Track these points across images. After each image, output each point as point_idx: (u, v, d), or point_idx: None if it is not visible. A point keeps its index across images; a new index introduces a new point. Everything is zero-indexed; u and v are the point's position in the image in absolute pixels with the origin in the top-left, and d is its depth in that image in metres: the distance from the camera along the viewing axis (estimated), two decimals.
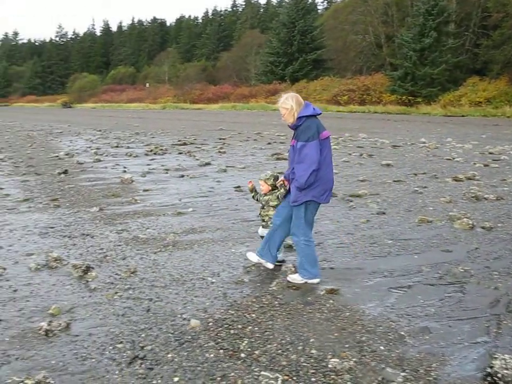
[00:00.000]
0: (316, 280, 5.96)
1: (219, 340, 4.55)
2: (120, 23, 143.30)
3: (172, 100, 78.37)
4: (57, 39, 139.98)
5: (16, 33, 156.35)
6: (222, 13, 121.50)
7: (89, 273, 6.23)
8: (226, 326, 4.82)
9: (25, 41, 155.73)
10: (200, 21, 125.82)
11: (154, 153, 19.21)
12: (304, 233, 5.94)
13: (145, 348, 4.42)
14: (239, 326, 4.82)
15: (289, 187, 6.08)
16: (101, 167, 15.89)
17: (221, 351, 4.37)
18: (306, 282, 5.95)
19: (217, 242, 7.57)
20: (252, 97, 67.66)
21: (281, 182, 6.37)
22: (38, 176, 14.35)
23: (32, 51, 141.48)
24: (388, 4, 64.06)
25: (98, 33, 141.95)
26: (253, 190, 6.80)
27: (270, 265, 6.37)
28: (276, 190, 6.51)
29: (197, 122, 40.65)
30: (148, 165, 16.14)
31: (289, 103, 5.83)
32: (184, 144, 22.83)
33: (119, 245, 7.45)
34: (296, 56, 70.67)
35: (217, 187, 12.00)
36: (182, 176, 13.61)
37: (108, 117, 52.86)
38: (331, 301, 5.42)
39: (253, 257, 6.50)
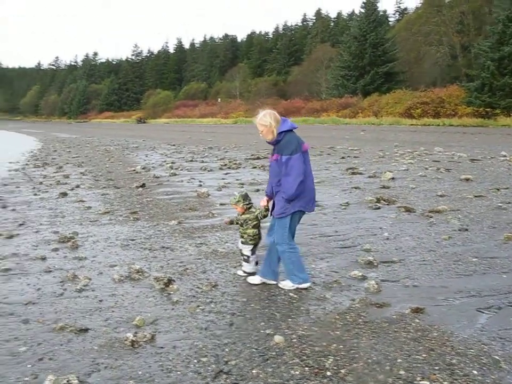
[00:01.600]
0: (306, 285, 6.19)
1: (304, 357, 4.48)
2: (193, 40, 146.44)
3: (243, 115, 79.20)
4: (133, 57, 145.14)
5: (95, 54, 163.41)
6: (292, 27, 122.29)
7: (170, 285, 6.31)
8: (310, 343, 4.75)
9: (103, 60, 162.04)
10: (271, 36, 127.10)
11: (229, 168, 19.40)
12: (288, 242, 6.11)
13: (229, 363, 4.41)
14: (324, 343, 4.73)
15: (273, 201, 6.24)
16: (177, 181, 16.19)
17: (306, 368, 4.30)
18: (297, 288, 6.16)
19: None
20: (323, 111, 67.51)
21: (265, 204, 6.47)
22: (117, 189, 14.78)
23: (110, 69, 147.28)
24: (464, 12, 62.57)
25: (171, 51, 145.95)
26: (231, 222, 6.90)
27: (273, 282, 6.37)
28: (254, 209, 6.61)
29: None
30: (223, 179, 16.30)
31: (267, 120, 5.95)
32: (258, 158, 22.96)
33: (199, 258, 7.52)
34: (367, 69, 70.09)
35: None
36: (257, 190, 13.66)
37: (181, 132, 53.99)
38: (417, 320, 5.25)
39: (256, 279, 6.45)
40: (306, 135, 38.68)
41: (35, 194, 14.58)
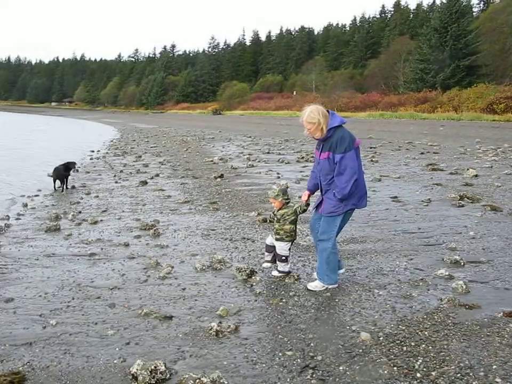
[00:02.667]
0: (335, 285, 6.00)
1: (392, 356, 4.33)
2: (269, 32, 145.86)
3: None
4: (209, 49, 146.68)
5: (173, 46, 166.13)
6: (370, 19, 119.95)
7: (253, 277, 6.29)
8: (398, 342, 4.59)
9: (180, 52, 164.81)
10: (348, 28, 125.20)
11: (306, 160, 19.25)
12: (334, 242, 5.89)
13: (315, 358, 4.32)
14: (412, 343, 4.56)
15: (321, 198, 5.97)
16: (255, 172, 16.21)
17: (395, 368, 4.15)
18: (327, 288, 5.93)
19: (380, 253, 7.31)
20: (401, 105, 65.84)
21: (306, 198, 6.24)
22: (196, 179, 14.96)
23: (187, 61, 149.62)
24: None
25: (248, 43, 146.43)
26: (265, 220, 7.19)
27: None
28: (292, 204, 6.44)
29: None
30: (301, 171, 16.18)
31: (315, 117, 5.63)
32: None
33: None
34: (448, 63, 67.68)
35: (373, 196, 11.69)
36: None
37: (257, 124, 54.17)
38: (511, 325, 4.97)
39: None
40: (384, 130, 37.96)
41: (116, 182, 14.99)
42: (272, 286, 6.05)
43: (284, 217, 6.29)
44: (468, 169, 15.29)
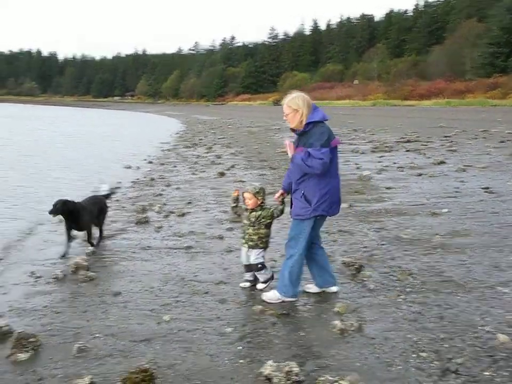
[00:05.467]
0: (293, 299, 5.34)
1: None
2: (329, 21, 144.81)
3: (381, 97, 77.12)
4: (269, 40, 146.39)
5: (233, 38, 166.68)
6: (434, 4, 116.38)
7: (362, 272, 6.02)
8: None
9: (240, 44, 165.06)
10: (411, 14, 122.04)
11: (381, 150, 18.74)
12: (302, 248, 5.27)
13: (453, 361, 4.02)
14: None
15: (291, 200, 5.40)
16: None
17: None
18: (283, 301, 5.30)
19: (490, 248, 6.88)
20: (469, 92, 63.82)
21: (281, 196, 5.64)
22: (274, 170, 14.79)
23: (246, 53, 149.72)
24: None
25: (307, 33, 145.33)
26: (236, 200, 5.99)
27: (334, 289, 5.54)
28: (268, 206, 5.79)
29: (412, 119, 39.30)
30: (379, 162, 15.74)
31: (298, 103, 5.08)
32: (408, 141, 22.01)
33: (383, 244, 7.16)
34: None
35: (463, 187, 11.16)
36: (420, 174, 12.97)
37: None
38: None
39: (313, 288, 5.62)
40: (453, 118, 36.79)
41: (193, 174, 14.98)
42: (385, 282, 5.76)
43: (259, 220, 5.67)
44: None
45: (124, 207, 10.68)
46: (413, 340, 4.38)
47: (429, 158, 16.19)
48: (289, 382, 3.72)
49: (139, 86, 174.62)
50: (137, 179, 14.44)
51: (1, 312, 5.32)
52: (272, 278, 5.75)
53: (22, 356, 4.32)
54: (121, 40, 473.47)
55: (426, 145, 20.28)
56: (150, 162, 18.73)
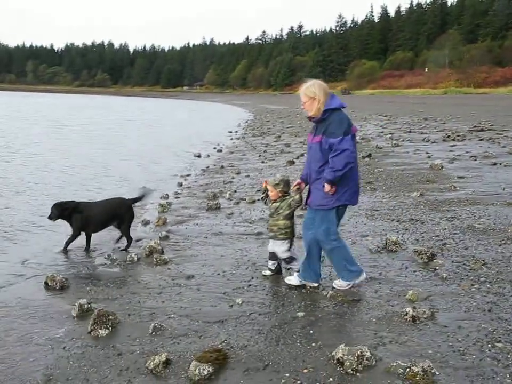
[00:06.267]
0: (363, 277, 5.34)
1: None
2: (399, 7, 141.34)
3: (453, 85, 74.95)
4: (337, 28, 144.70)
5: (300, 26, 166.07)
6: None
7: (434, 260, 5.95)
8: None
9: (307, 33, 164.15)
10: None
11: (453, 139, 18.27)
12: (335, 235, 5.20)
13: None
14: None
15: (310, 190, 5.26)
16: (402, 152, 15.65)
17: None
18: (353, 285, 5.29)
19: None
20: None
21: (297, 186, 5.45)
22: None
23: (314, 41, 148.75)
24: None
25: (376, 20, 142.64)
26: (265, 191, 5.77)
27: (315, 284, 5.42)
28: (288, 197, 5.57)
29: (486, 107, 38.04)
30: (451, 151, 15.36)
31: (314, 91, 4.94)
32: (482, 130, 21.36)
33: (455, 233, 7.03)
34: None
35: None
36: (494, 164, 12.58)
37: (389, 103, 52.72)
38: None
39: (294, 281, 5.51)
40: None
41: (263, 162, 15.10)
42: (458, 271, 5.66)
43: (278, 211, 5.63)
44: None
45: (194, 193, 10.93)
46: (488, 329, 4.30)
47: (504, 147, 15.67)
48: (360, 366, 3.74)
49: (207, 76, 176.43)
50: (207, 167, 14.70)
51: (80, 292, 5.58)
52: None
53: (102, 332, 4.53)
54: (190, 30, 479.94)
55: (501, 134, 19.61)
56: (219, 150, 19.01)
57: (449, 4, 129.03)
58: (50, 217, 7.15)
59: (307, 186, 5.47)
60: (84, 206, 7.24)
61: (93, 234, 7.37)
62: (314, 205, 5.18)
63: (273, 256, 5.83)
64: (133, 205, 7.60)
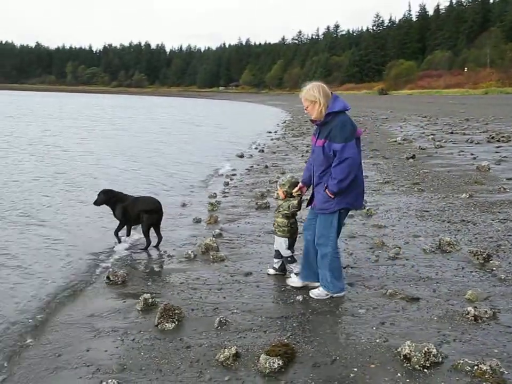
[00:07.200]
0: (342, 294, 5.26)
1: None
2: (437, 6, 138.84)
3: (494, 84, 73.63)
4: (374, 28, 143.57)
5: (337, 26, 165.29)
6: None
7: (490, 261, 5.97)
8: None
9: (344, 32, 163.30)
10: None
11: (498, 141, 18.02)
12: (333, 245, 5.13)
13: None
14: None
15: (312, 192, 5.24)
16: (446, 153, 15.55)
17: None
18: (332, 297, 5.22)
19: None
20: None
21: (298, 191, 5.49)
22: (387, 160, 14.68)
23: (351, 41, 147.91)
24: None
25: (414, 19, 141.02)
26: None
27: (317, 284, 5.39)
28: (291, 199, 5.62)
29: None
30: (496, 152, 15.19)
31: (315, 95, 4.90)
32: None
33: (510, 235, 7.02)
34: None
35: None
36: None
37: (428, 103, 52.13)
38: None
39: (296, 282, 5.57)
40: None
41: (306, 162, 15.10)
42: None
43: (279, 209, 5.81)
44: None
45: (242, 193, 11.09)
46: None
47: None
48: (428, 362, 3.82)
49: (243, 76, 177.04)
50: (251, 167, 14.86)
51: (141, 287, 5.79)
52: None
53: (168, 325, 4.71)
54: (226, 30, 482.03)
55: None
56: (261, 151, 19.14)
57: (491, 1, 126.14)
58: (95, 202, 7.53)
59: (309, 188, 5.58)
60: (124, 197, 7.52)
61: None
62: (316, 209, 5.20)
63: (278, 254, 5.98)
64: (161, 206, 7.49)
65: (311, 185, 5.36)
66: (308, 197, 5.49)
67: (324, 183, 5.01)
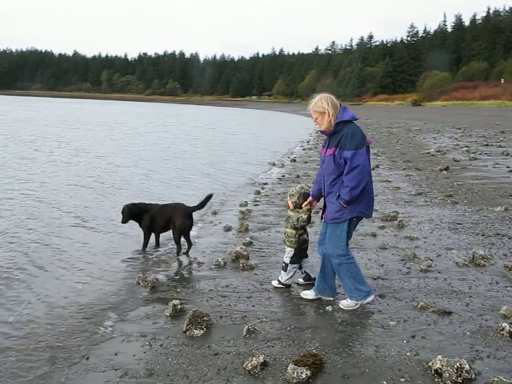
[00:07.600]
0: (371, 298, 5.25)
1: None
2: (474, 16, 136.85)
3: None
4: (408, 38, 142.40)
5: (370, 37, 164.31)
6: None
7: None
8: None
9: (378, 43, 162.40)
10: None
11: None
12: (344, 251, 5.12)
13: None
14: None
15: (324, 204, 5.21)
16: (481, 165, 15.32)
17: None
18: (362, 307, 5.18)
19: None
20: None
21: (308, 206, 5.55)
22: (419, 171, 14.53)
23: (384, 52, 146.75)
24: None
25: (449, 29, 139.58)
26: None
27: (331, 298, 5.44)
28: (300, 211, 5.62)
29: None
30: None
31: (323, 106, 4.92)
32: None
33: None
34: None
35: None
36: None
37: (462, 115, 51.41)
38: None
39: (309, 295, 5.54)
40: None
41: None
42: None
43: (288, 220, 5.84)
44: None
45: (273, 201, 11.08)
46: None
47: None
48: (460, 378, 3.74)
49: (276, 86, 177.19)
50: (283, 176, 14.84)
51: (170, 293, 5.82)
52: (288, 286, 5.89)
53: (197, 332, 4.72)
54: (259, 40, 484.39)
55: None
56: (293, 160, 19.10)
57: None
58: (122, 221, 7.55)
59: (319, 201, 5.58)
60: (148, 206, 7.56)
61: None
62: (328, 219, 5.18)
63: (299, 266, 6.01)
64: (192, 213, 7.49)
65: (321, 197, 5.37)
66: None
67: (335, 192, 5.01)
